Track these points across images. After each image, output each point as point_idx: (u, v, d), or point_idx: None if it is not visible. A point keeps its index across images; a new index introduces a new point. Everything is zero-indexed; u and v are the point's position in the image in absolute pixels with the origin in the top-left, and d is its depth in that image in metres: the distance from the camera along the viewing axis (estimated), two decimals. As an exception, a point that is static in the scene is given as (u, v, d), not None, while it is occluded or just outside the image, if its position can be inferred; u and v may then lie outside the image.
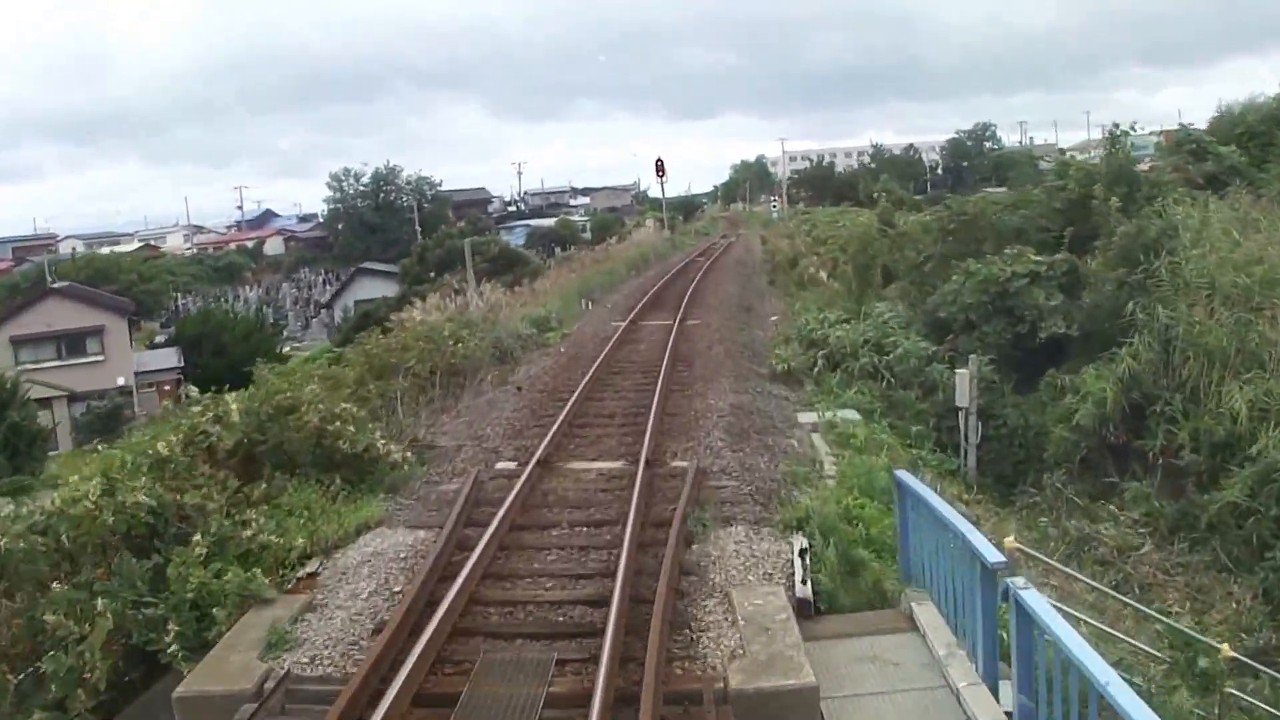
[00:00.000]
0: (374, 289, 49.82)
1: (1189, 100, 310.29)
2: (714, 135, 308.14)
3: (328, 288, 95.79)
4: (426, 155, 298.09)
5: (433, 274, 45.73)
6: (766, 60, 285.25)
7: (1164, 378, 16.29)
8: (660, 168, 63.34)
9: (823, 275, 27.28)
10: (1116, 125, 29.46)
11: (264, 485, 11.77)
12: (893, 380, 18.36)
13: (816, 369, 18.91)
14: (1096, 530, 15.54)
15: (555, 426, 14.91)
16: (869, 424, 16.70)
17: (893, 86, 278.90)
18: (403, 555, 10.41)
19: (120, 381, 47.07)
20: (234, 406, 12.37)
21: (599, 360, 20.42)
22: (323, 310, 57.13)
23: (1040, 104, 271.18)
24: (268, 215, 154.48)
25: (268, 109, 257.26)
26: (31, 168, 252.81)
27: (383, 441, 12.72)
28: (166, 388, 49.78)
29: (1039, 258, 19.64)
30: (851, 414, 16.99)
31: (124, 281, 63.68)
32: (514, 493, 11.62)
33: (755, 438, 14.87)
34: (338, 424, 12.48)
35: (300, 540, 10.66)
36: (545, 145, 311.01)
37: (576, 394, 17.17)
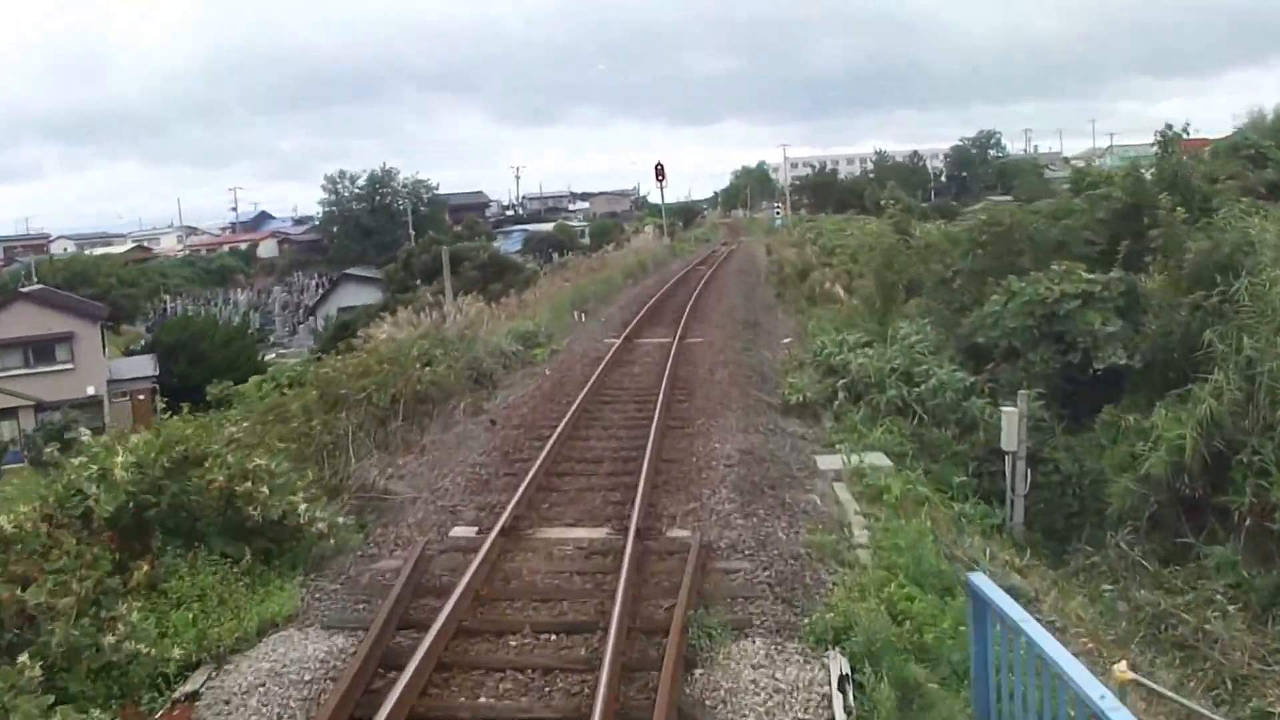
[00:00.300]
0: (359, 296, 47.01)
1: (1191, 111, 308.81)
2: (714, 141, 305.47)
3: (320, 291, 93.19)
4: (427, 158, 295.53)
5: (418, 281, 42.95)
6: (767, 66, 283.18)
7: (1250, 421, 13.64)
8: (660, 172, 60.46)
9: (839, 290, 24.56)
10: (1169, 127, 26.72)
11: (147, 566, 9.11)
12: (925, 416, 15.71)
13: (837, 402, 16.26)
14: (1174, 604, 12.88)
15: (529, 476, 12.28)
16: (901, 471, 14.05)
17: (895, 94, 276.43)
18: (308, 677, 7.74)
19: (90, 391, 44.36)
20: (119, 460, 9.69)
21: (588, 386, 17.78)
22: (310, 316, 54.22)
23: (1042, 113, 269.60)
24: (263, 217, 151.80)
25: (268, 110, 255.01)
26: (31, 167, 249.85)
27: (305, 507, 10.02)
28: (141, 397, 47.08)
29: (1091, 276, 16.98)
30: (879, 458, 14.34)
31: (103, 285, 60.92)
32: (467, 577, 8.98)
33: (769, 494, 12.22)
34: (249, 484, 9.80)
35: (178, 651, 8.02)
36: (545, 150, 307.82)
37: (558, 431, 14.53)
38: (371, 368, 17.20)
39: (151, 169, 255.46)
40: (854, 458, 14.12)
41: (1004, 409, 14.63)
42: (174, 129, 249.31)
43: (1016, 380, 16.43)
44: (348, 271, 64.68)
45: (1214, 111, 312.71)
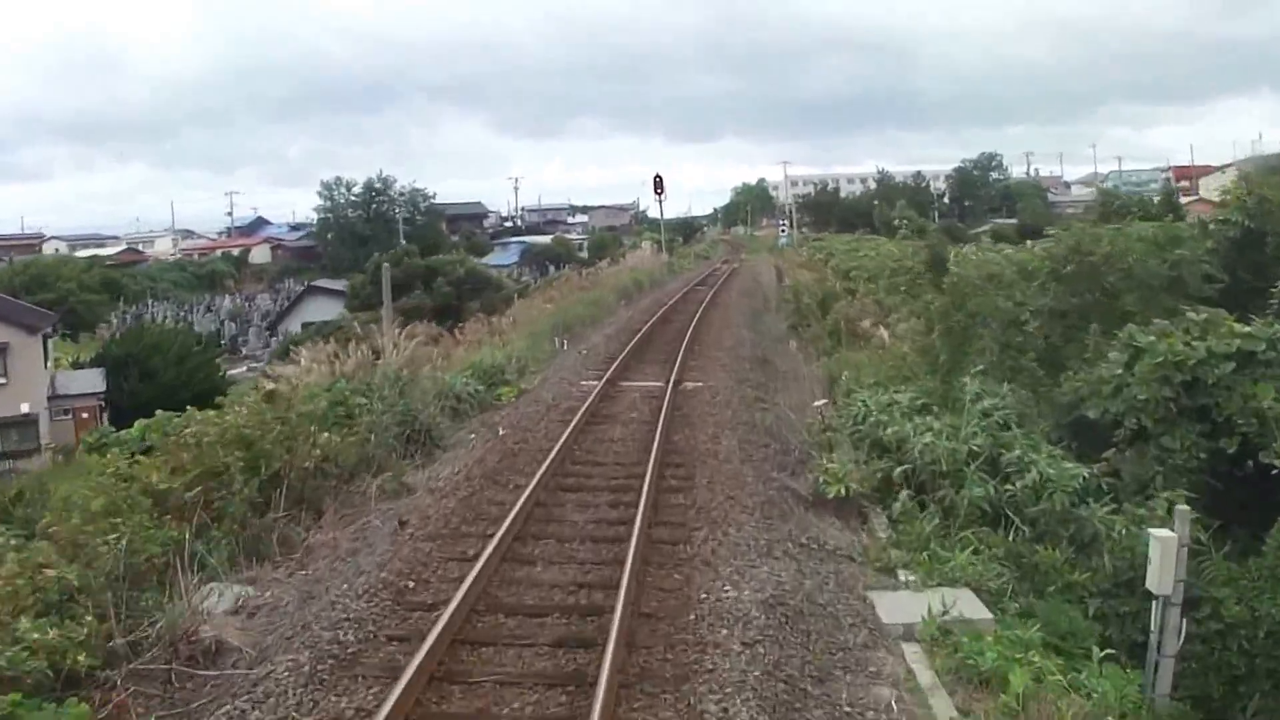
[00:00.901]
0: (326, 310, 41.93)
1: (1181, 137, 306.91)
2: (714, 158, 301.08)
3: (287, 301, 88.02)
4: (430, 168, 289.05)
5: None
6: (766, 87, 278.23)
7: None
8: (659, 185, 55.25)
9: (881, 332, 19.26)
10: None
11: None
12: (1024, 526, 10.72)
13: (897, 501, 11.19)
14: None
15: (423, 651, 7.23)
16: (1005, 624, 9.07)
17: (891, 115, 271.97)
18: None
19: (24, 409, 39.20)
20: None
21: (548, 461, 12.73)
22: (271, 331, 49.00)
23: (1033, 137, 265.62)
24: (260, 222, 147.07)
25: (275, 116, 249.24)
26: (40, 167, 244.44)
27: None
28: (85, 415, 41.96)
29: (1248, 329, 11.94)
30: (969, 600, 9.35)
31: (62, 290, 55.77)
32: None
33: (813, 689, 7.23)
34: None
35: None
36: (546, 163, 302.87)
37: (492, 547, 9.49)
38: (255, 429, 12.08)
39: (160, 172, 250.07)
40: (932, 600, 9.11)
41: (1152, 534, 9.56)
42: (182, 133, 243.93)
43: (1147, 474, 11.39)
44: (315, 283, 59.30)
45: (1201, 138, 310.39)
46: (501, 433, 15.20)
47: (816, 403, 14.10)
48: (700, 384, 18.98)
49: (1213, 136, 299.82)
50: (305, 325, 37.60)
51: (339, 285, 51.56)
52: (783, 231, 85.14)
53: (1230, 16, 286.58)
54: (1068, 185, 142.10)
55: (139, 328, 43.43)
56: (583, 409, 16.19)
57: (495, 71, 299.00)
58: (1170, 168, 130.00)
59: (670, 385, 18.35)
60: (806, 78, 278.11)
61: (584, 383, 19.57)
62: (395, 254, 41.36)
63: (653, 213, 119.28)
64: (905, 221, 39.33)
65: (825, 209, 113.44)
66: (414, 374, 16.78)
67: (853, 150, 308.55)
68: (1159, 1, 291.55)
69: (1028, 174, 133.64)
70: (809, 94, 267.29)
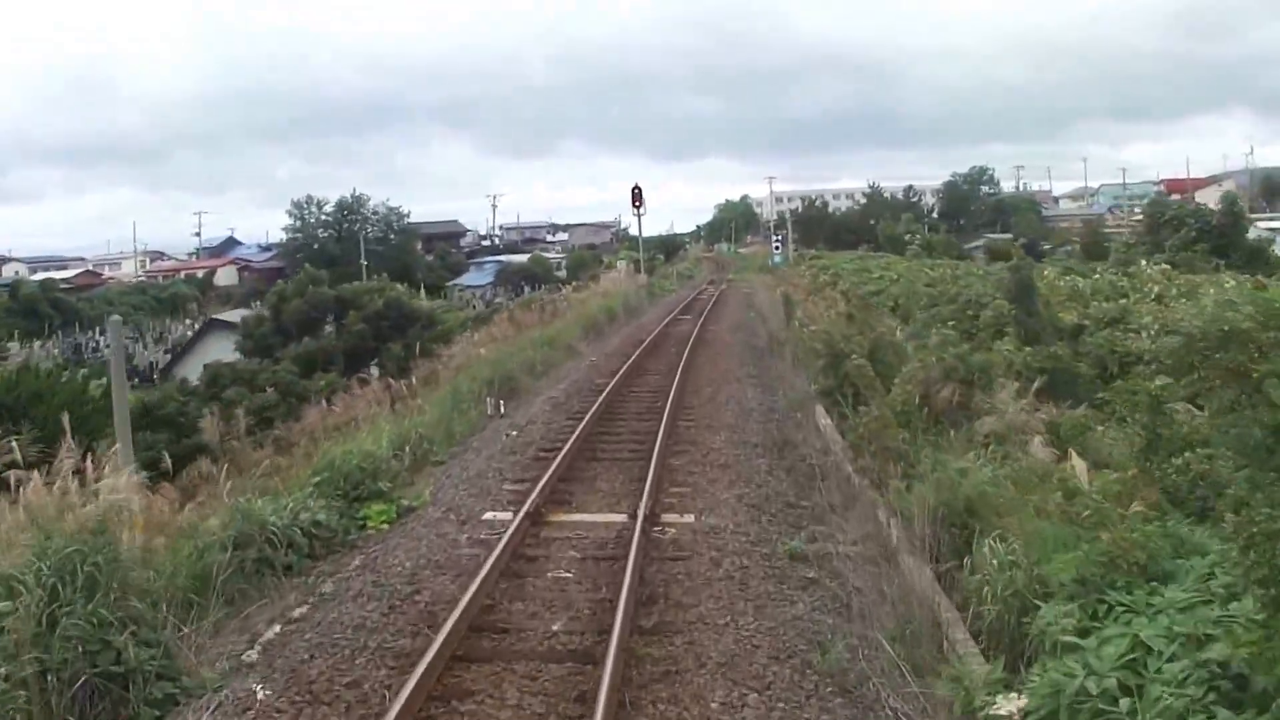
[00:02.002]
0: (231, 348, 33.49)
1: (1155, 155, 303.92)
2: (697, 177, 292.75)
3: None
4: (420, 190, 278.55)
5: (288, 339, 28.80)
6: (749, 107, 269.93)
7: None
8: (637, 197, 46.40)
9: (1034, 444, 10.49)
10: None
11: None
12: None
13: None
14: None
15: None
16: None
17: (873, 133, 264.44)
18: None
19: None
20: None
21: None
22: (166, 373, 39.98)
23: (1013, 155, 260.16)
24: (231, 243, 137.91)
25: (266, 139, 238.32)
26: (31, 190, 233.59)
27: None
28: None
29: None
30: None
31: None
32: None
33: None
34: None
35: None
36: (532, 183, 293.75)
37: None
38: None
39: (149, 195, 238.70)
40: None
41: None
42: (173, 156, 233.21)
43: None
44: (217, 317, 50.45)
45: (1178, 155, 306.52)
46: (261, 694, 6.66)
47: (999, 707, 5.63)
48: (690, 519, 10.55)
49: (1186, 152, 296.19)
50: (207, 365, 29.02)
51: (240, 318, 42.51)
52: (776, 249, 76.24)
53: (1203, 39, 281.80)
54: (1056, 200, 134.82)
55: (21, 370, 34.56)
56: (484, 571, 7.79)
57: (485, 94, 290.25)
58: (1162, 180, 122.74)
59: (639, 525, 9.91)
60: (789, 98, 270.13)
61: (506, 486, 11.19)
62: (299, 280, 32.61)
63: (635, 229, 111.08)
64: (910, 235, 31.24)
65: (814, 225, 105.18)
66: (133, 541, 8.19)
67: (834, 169, 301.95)
68: (1135, 23, 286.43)
69: (1018, 188, 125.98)
70: (791, 113, 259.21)
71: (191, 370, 32.18)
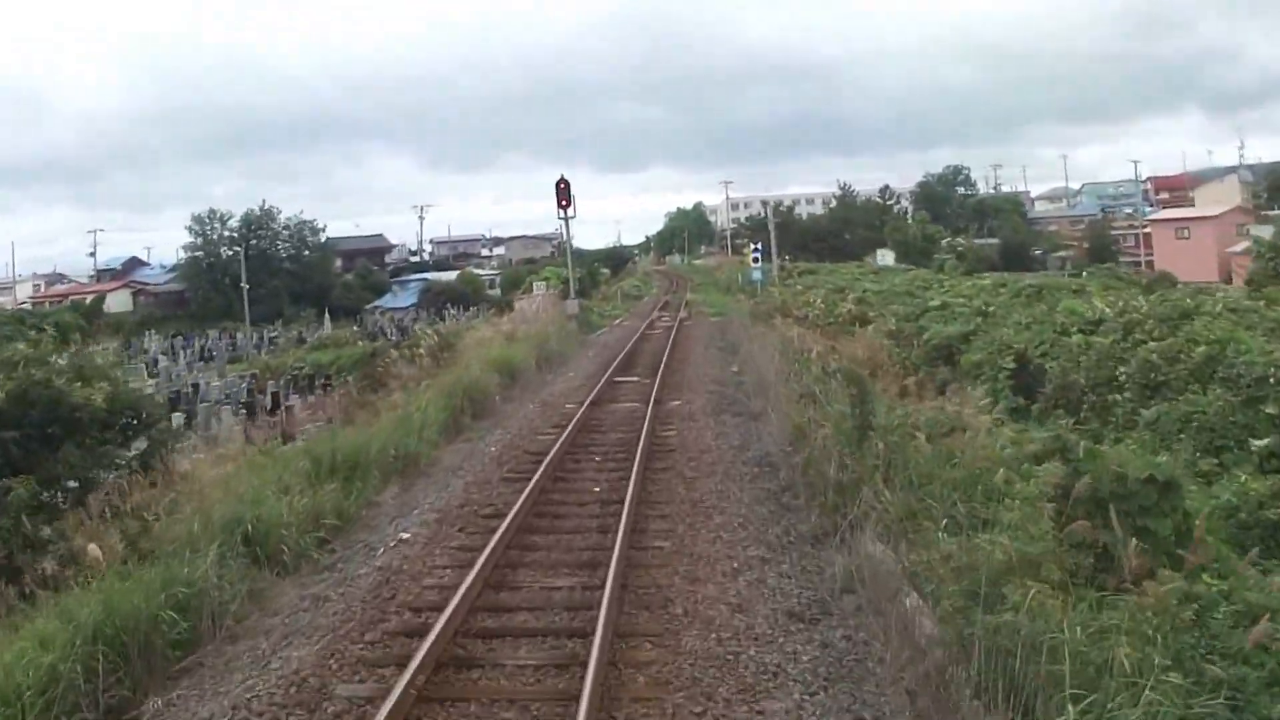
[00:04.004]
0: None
1: (1106, 157, 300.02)
2: (642, 188, 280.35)
3: (179, 355, 66.00)
4: (360, 205, 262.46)
5: None
6: (694, 115, 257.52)
7: None
8: (564, 194, 33.26)
9: None
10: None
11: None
12: None
13: None
14: None
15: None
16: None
17: (820, 140, 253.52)
18: None
19: None
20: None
21: None
22: None
23: (961, 159, 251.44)
24: (134, 263, 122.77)
25: (201, 157, 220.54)
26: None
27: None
28: None
29: None
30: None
31: None
32: None
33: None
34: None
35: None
36: (474, 198, 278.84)
37: None
38: None
39: (83, 213, 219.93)
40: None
41: None
42: (105, 174, 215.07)
43: None
44: None
45: (1127, 156, 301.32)
46: None
47: None
48: None
49: (1136, 151, 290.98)
50: None
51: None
52: (756, 262, 55.64)
53: (1150, 39, 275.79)
54: (1033, 201, 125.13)
55: None
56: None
57: (425, 107, 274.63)
58: (1148, 179, 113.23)
59: None
60: (734, 104, 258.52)
61: None
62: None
63: (579, 241, 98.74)
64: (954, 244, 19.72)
65: (781, 231, 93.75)
66: None
67: (781, 177, 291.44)
68: (1080, 23, 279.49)
69: (995, 189, 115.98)
70: (737, 120, 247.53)
71: None
